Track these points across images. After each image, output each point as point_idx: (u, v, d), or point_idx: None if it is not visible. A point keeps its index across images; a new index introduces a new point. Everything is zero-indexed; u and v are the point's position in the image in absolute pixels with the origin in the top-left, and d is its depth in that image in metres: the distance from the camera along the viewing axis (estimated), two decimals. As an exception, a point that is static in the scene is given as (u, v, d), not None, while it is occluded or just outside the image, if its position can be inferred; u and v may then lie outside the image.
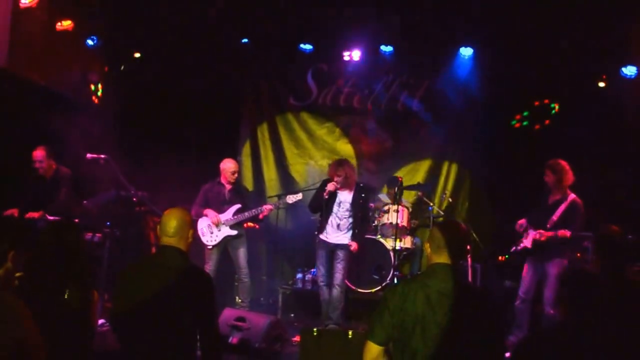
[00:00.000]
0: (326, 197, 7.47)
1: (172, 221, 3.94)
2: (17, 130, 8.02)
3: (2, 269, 3.06)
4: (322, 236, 7.65)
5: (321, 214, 7.71)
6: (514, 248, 7.15)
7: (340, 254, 7.52)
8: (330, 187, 7.46)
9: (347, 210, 7.59)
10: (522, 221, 7.09)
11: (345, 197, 7.62)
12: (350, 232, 7.57)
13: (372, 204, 8.82)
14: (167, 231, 3.92)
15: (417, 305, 3.29)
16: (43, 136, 7.99)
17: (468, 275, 8.10)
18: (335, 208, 7.60)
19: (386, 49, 9.52)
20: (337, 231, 7.59)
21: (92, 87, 10.03)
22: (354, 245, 7.50)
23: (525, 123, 9.66)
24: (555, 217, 6.80)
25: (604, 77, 9.01)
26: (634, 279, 4.70)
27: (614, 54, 8.65)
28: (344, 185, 7.56)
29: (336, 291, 7.45)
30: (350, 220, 7.58)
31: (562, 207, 6.80)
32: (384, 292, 4.25)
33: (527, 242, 6.93)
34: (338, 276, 7.46)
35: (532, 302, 7.01)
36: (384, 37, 9.42)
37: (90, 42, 9.55)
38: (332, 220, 7.60)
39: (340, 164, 7.70)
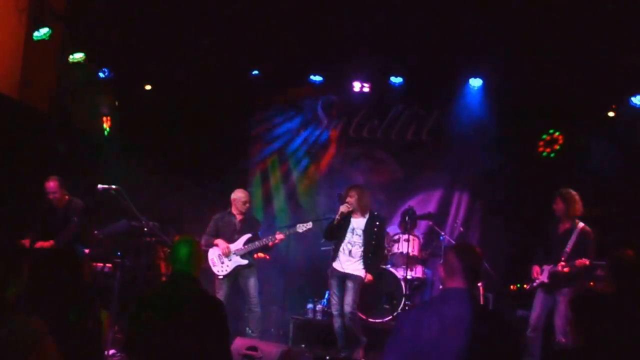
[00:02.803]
0: (338, 217, 7.25)
1: (184, 248, 3.97)
2: (28, 161, 8.07)
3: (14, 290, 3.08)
4: (334, 264, 7.36)
5: (335, 242, 7.48)
6: (529, 286, 7.03)
7: (350, 284, 7.17)
8: (342, 208, 7.24)
9: (359, 236, 7.31)
10: (537, 268, 6.94)
11: (358, 224, 7.35)
12: (362, 260, 7.26)
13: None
14: (180, 258, 3.94)
15: (431, 331, 3.21)
16: (54, 167, 8.04)
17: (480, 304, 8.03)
18: (348, 235, 7.31)
19: (396, 80, 9.58)
20: (349, 258, 7.27)
21: (103, 118, 10.13)
22: (368, 277, 7.21)
23: (543, 153, 9.65)
24: (568, 249, 6.71)
25: (614, 106, 9.00)
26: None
27: (623, 84, 8.66)
28: (357, 209, 7.33)
29: (347, 321, 7.13)
30: (362, 247, 7.28)
31: (574, 237, 6.73)
32: (397, 317, 4.20)
33: (543, 277, 6.82)
34: (347, 308, 7.11)
35: (543, 331, 6.93)
36: (394, 69, 9.48)
37: (101, 74, 9.65)
38: (344, 246, 7.30)
39: (351, 187, 7.52)
